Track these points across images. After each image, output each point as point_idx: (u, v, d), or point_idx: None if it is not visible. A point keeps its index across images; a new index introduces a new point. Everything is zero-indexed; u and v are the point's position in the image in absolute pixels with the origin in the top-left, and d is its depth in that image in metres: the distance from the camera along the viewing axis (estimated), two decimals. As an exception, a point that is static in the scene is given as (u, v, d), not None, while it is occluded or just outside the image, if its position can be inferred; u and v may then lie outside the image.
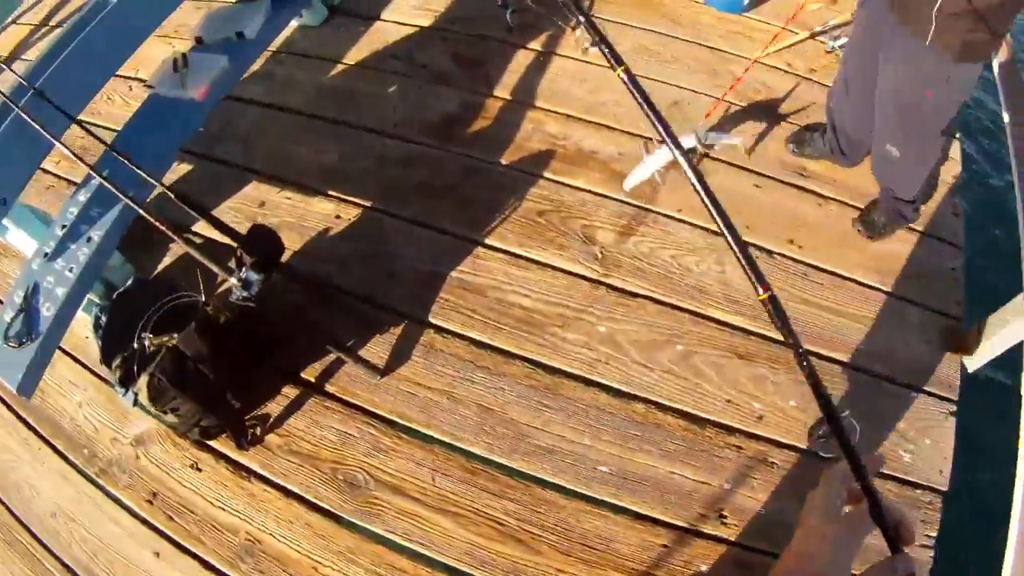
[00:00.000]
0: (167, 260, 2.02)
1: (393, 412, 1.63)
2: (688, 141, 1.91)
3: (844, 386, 1.63)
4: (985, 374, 1.72)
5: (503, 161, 2.10)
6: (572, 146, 2.14)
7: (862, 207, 1.91)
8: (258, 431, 1.67)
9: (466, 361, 1.69)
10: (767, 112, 2.15)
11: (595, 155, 2.11)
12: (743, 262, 0.56)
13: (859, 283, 1.81)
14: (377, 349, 1.73)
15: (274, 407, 1.69)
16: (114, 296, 1.81)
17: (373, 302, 1.81)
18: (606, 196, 2.00)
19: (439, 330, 1.75)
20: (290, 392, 1.71)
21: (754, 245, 1.87)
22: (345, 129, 2.24)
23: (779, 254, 1.86)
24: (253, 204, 2.08)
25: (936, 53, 1.31)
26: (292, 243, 1.94)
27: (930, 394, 1.61)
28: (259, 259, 1.55)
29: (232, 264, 1.51)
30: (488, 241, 1.90)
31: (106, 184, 1.33)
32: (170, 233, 1.36)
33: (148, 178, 1.41)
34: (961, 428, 1.57)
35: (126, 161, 1.41)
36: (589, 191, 2.02)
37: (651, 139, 1.98)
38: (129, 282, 1.86)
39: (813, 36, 2.35)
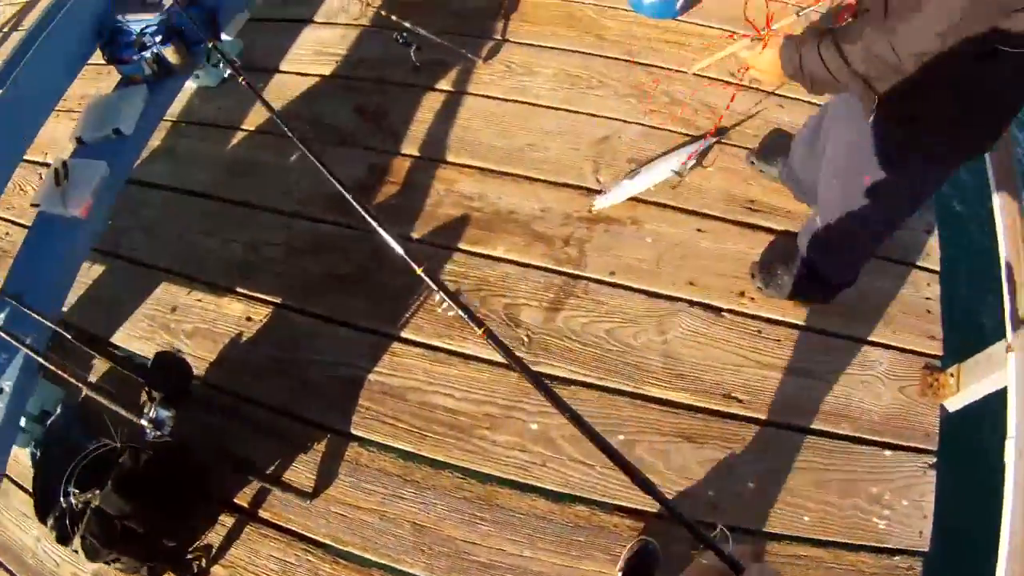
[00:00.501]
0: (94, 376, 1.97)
1: (328, 536, 1.63)
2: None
3: (804, 457, 1.59)
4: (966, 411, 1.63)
5: (414, 235, 2.01)
6: (489, 207, 2.04)
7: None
8: (203, 562, 1.69)
9: (394, 476, 1.67)
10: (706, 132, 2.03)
11: (514, 216, 2.02)
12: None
13: (820, 332, 1.75)
14: (303, 468, 1.70)
15: (215, 537, 1.69)
16: (47, 427, 1.79)
17: (292, 415, 1.77)
18: (529, 265, 1.92)
19: (363, 442, 1.72)
20: (227, 520, 1.70)
21: (701, 304, 1.81)
22: (249, 212, 2.14)
23: (729, 311, 1.80)
24: (165, 309, 2.00)
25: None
26: (205, 352, 1.88)
27: (906, 448, 1.58)
28: (168, 393, 1.53)
29: (144, 397, 1.50)
30: (404, 335, 1.85)
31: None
32: (73, 380, 1.36)
33: (41, 320, 1.40)
34: (941, 476, 1.52)
35: (17, 304, 1.39)
36: (510, 261, 1.94)
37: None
38: (58, 410, 1.84)
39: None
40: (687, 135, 2.09)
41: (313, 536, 1.64)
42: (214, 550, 1.67)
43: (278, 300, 1.96)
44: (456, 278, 1.92)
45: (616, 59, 2.29)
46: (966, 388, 1.53)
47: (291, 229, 2.08)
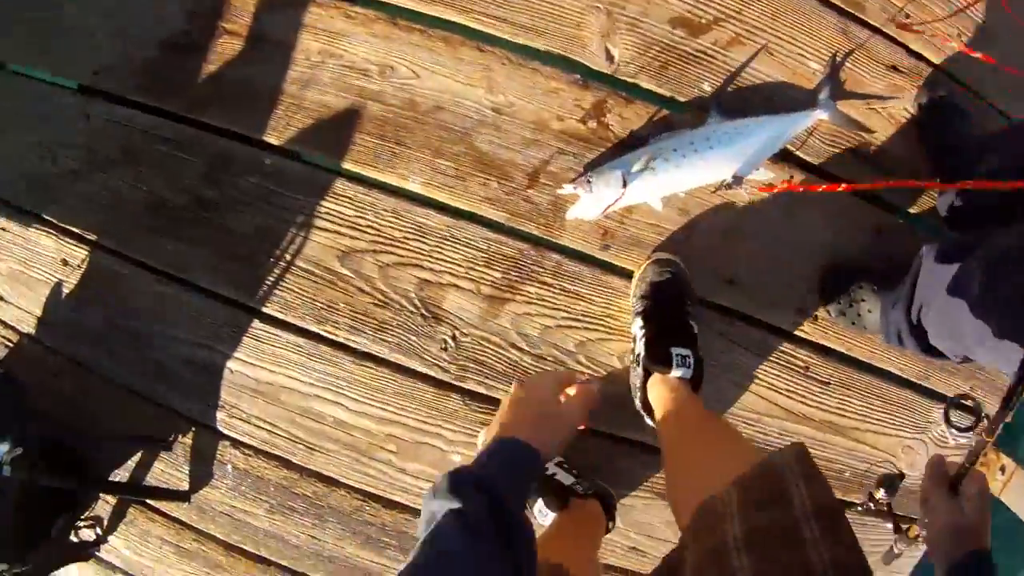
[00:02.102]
0: None
1: (218, 531, 1.43)
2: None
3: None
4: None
5: (268, 138, 1.24)
6: (400, 94, 1.22)
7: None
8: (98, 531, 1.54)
9: (280, 487, 1.35)
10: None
11: (444, 115, 1.20)
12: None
13: (881, 375, 1.28)
14: (171, 462, 1.38)
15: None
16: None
17: (144, 398, 1.36)
18: (464, 215, 1.24)
19: (237, 444, 1.35)
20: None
21: (734, 312, 1.20)
22: (38, 90, 1.30)
23: (772, 329, 1.20)
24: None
25: None
26: (28, 303, 1.38)
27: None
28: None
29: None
30: (268, 310, 1.29)
31: None
32: None
33: None
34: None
35: None
36: (432, 203, 1.24)
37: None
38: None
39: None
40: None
41: (203, 529, 1.43)
42: (105, 522, 1.49)
43: (92, 239, 1.33)
44: (335, 226, 1.23)
45: None
46: (1010, 492, 1.07)
47: (90, 123, 1.28)
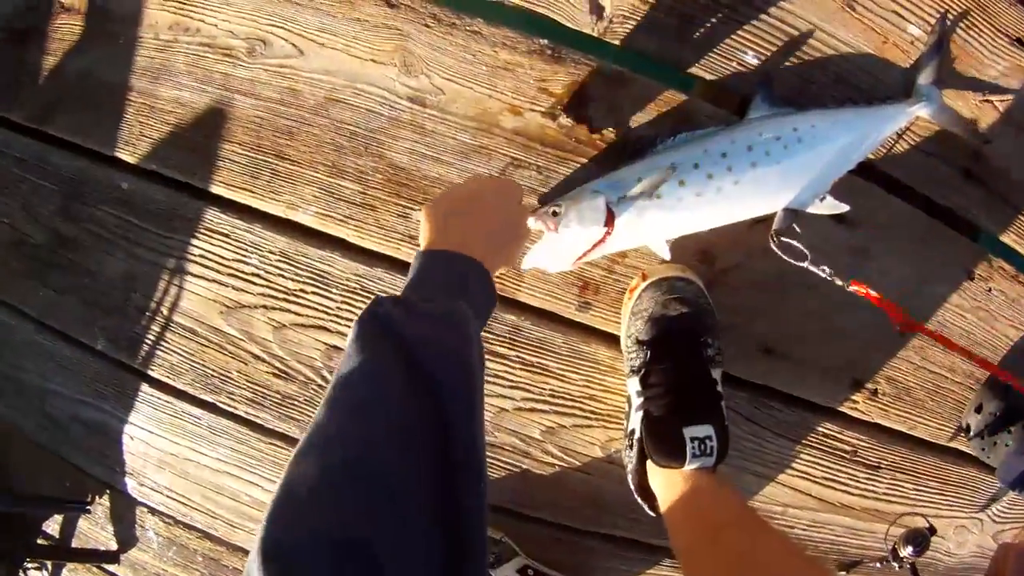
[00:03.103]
0: None
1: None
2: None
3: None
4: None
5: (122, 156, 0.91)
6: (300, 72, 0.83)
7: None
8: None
9: (209, 559, 1.16)
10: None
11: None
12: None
13: (940, 452, 0.94)
14: (93, 521, 1.22)
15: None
16: None
17: (49, 450, 1.17)
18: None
19: (154, 512, 1.15)
20: None
21: (765, 390, 0.86)
22: None
23: (819, 409, 0.85)
24: None
25: None
26: None
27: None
28: None
29: None
30: (154, 373, 1.02)
31: None
32: None
33: None
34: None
35: None
36: (301, 229, 0.88)
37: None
38: None
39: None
40: None
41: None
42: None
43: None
44: (213, 274, 0.91)
45: None
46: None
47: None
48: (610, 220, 0.74)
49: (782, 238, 0.75)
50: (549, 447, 0.91)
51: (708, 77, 0.79)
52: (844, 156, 0.72)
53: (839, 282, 0.74)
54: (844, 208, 0.74)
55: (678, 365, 0.76)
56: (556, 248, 0.76)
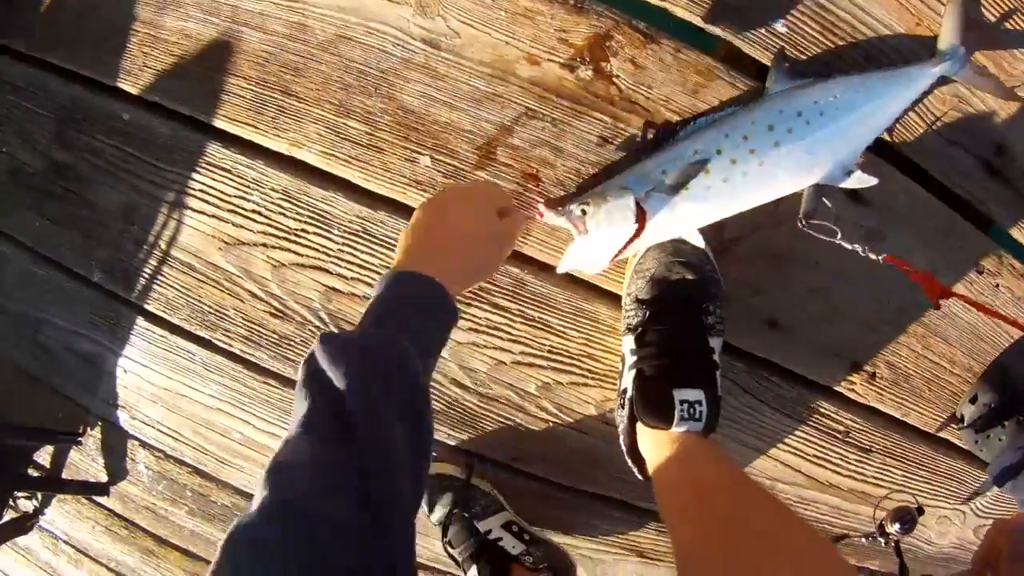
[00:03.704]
0: None
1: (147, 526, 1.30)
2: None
3: None
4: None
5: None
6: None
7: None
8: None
9: (198, 494, 1.18)
10: None
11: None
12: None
13: (935, 444, 0.96)
14: (83, 451, 1.23)
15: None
16: None
17: (36, 379, 1.17)
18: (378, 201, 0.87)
19: (144, 445, 1.16)
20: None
21: (759, 361, 0.86)
22: None
23: (813, 387, 0.86)
24: None
25: None
26: None
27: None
28: None
29: None
30: (151, 307, 1.02)
31: None
32: None
33: None
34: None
35: None
36: (304, 167, 0.88)
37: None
38: None
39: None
40: None
41: (129, 519, 1.30)
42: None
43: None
44: (213, 209, 0.91)
45: None
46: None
47: None
48: (640, 217, 0.73)
49: (810, 220, 0.75)
50: (544, 403, 0.92)
51: (732, 39, 0.78)
52: (868, 124, 0.71)
53: (873, 256, 0.74)
54: (873, 181, 0.73)
55: (675, 328, 0.76)
56: (589, 249, 0.76)
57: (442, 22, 0.80)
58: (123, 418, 1.13)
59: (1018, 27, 0.75)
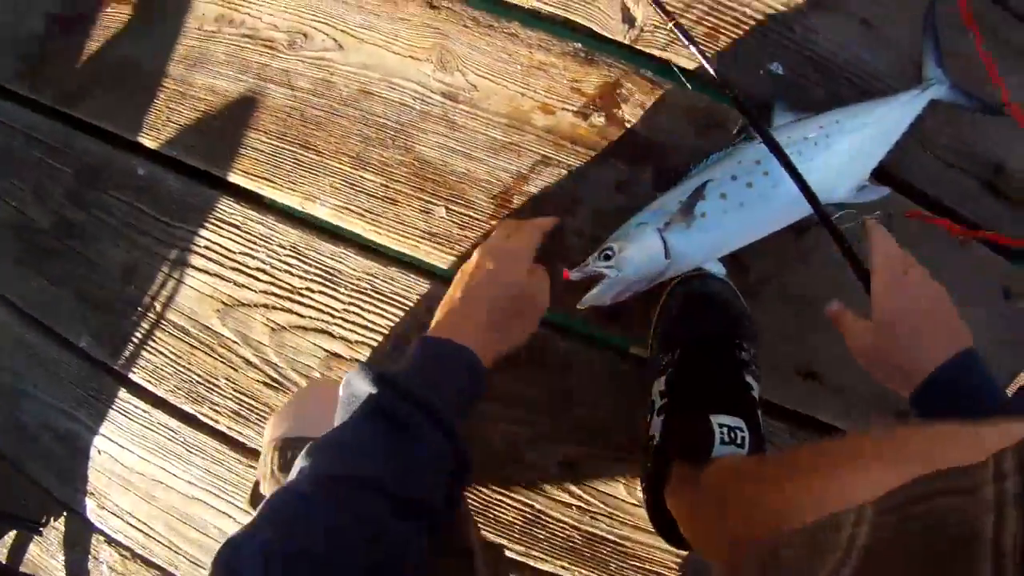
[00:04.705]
0: None
1: None
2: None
3: None
4: None
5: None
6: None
7: None
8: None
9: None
10: None
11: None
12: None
13: None
14: (46, 542, 1.09)
15: None
16: None
17: (8, 460, 1.06)
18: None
19: (111, 541, 1.02)
20: None
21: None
22: None
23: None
24: None
25: None
26: None
27: None
28: None
29: None
30: (135, 377, 0.93)
31: None
32: None
33: None
34: None
35: None
36: (316, 223, 0.82)
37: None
38: None
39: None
40: None
41: None
42: None
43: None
44: (216, 267, 0.85)
45: None
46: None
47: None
48: (667, 253, 0.68)
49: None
50: (569, 485, 0.78)
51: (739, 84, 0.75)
52: (872, 146, 0.70)
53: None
54: (885, 191, 0.70)
55: (708, 366, 0.66)
56: (624, 286, 0.69)
57: (461, 76, 0.79)
58: (90, 506, 1.00)
59: (992, 48, 0.73)
